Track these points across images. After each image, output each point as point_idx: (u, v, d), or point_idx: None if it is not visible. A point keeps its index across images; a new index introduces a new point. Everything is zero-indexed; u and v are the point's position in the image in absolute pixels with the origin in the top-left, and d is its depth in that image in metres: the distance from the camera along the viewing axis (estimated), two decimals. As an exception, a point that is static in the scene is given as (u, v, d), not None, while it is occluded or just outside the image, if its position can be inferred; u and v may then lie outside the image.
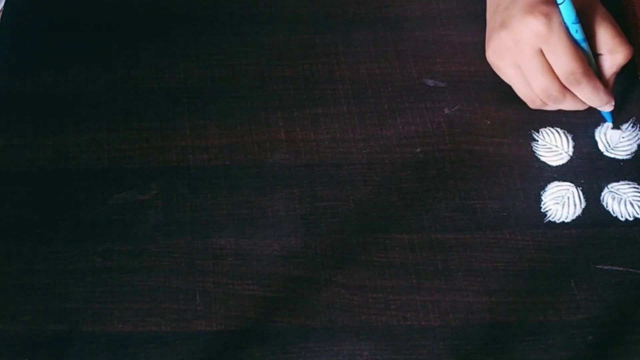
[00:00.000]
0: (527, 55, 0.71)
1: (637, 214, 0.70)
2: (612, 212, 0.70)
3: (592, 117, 0.75)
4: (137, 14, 0.80)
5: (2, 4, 0.78)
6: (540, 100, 0.73)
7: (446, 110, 0.75)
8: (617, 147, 0.74)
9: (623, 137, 0.74)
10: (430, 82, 0.77)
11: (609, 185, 0.72)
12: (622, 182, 0.72)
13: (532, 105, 0.74)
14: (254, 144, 0.73)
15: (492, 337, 0.65)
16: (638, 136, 0.74)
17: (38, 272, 0.67)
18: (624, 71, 0.75)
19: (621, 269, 0.68)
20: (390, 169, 0.72)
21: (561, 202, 0.71)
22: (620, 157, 0.73)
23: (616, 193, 0.71)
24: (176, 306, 0.66)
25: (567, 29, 0.70)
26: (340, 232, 0.69)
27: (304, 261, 0.68)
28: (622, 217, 0.70)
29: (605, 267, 0.68)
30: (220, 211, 0.70)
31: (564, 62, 0.70)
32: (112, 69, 0.77)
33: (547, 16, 0.70)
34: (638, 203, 0.70)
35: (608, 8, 0.74)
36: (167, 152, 0.73)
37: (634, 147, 0.74)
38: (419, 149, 0.73)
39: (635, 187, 0.71)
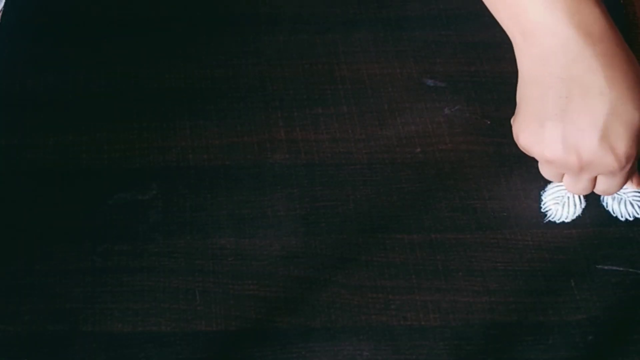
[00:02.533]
0: (583, 178, 0.67)
1: (637, 214, 0.70)
2: (612, 212, 0.70)
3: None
4: (137, 13, 0.80)
5: (2, 4, 0.78)
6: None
7: (446, 110, 0.75)
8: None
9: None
10: (430, 82, 0.77)
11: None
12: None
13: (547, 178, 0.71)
14: (254, 144, 0.73)
15: (492, 337, 0.65)
16: (638, 136, 0.74)
17: (38, 272, 0.66)
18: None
19: (621, 269, 0.68)
20: (390, 169, 0.72)
21: (561, 202, 0.71)
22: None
23: (616, 193, 0.71)
24: (176, 306, 0.66)
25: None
26: (340, 232, 0.69)
27: (304, 261, 0.68)
28: (622, 217, 0.70)
29: (605, 267, 0.68)
30: (220, 211, 0.70)
31: (612, 190, 0.68)
32: (112, 69, 0.77)
33: (628, 158, 0.64)
34: (638, 203, 0.70)
35: (608, 8, 0.74)
36: (167, 152, 0.73)
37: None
38: (419, 149, 0.73)
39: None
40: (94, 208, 0.70)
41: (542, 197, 0.71)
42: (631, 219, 0.70)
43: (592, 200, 0.71)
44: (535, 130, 0.65)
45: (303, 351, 0.64)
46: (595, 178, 0.68)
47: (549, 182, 0.72)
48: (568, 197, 0.71)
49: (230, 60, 0.78)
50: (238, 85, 0.76)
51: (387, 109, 0.76)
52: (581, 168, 0.65)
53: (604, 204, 0.71)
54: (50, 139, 0.73)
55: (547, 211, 0.70)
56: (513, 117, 0.69)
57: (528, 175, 0.72)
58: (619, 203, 0.71)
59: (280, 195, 0.71)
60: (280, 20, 0.80)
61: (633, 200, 0.71)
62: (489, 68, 0.76)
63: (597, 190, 0.69)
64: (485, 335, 0.65)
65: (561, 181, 0.70)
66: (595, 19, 0.63)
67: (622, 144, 0.64)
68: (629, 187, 0.70)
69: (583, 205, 0.71)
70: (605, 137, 0.63)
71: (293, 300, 0.66)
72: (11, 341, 0.64)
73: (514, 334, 0.65)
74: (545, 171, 0.70)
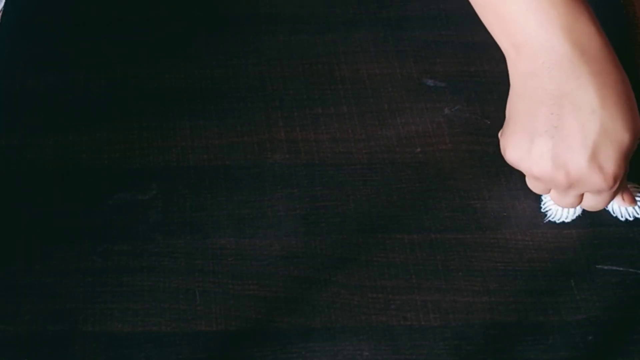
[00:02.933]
0: (570, 194, 0.67)
1: (637, 214, 0.70)
2: (612, 212, 0.70)
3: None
4: (137, 13, 0.80)
5: (2, 4, 0.78)
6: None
7: (446, 110, 0.75)
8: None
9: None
10: (430, 82, 0.77)
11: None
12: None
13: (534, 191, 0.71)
14: (254, 144, 0.73)
15: (492, 337, 0.65)
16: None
17: (38, 272, 0.66)
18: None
19: (621, 269, 0.68)
20: (390, 169, 0.72)
21: (561, 202, 0.71)
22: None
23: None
24: (176, 306, 0.66)
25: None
26: (340, 232, 0.69)
27: (304, 261, 0.68)
28: (622, 217, 0.70)
29: (605, 267, 0.68)
30: (220, 211, 0.70)
31: (598, 207, 0.68)
32: (112, 69, 0.77)
33: (615, 178, 0.64)
34: (638, 203, 0.70)
35: (608, 8, 0.74)
36: (167, 152, 0.73)
37: (634, 147, 0.74)
38: (419, 149, 0.73)
39: (635, 187, 0.71)
40: (94, 208, 0.70)
41: (542, 197, 0.71)
42: (631, 219, 0.70)
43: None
44: (524, 146, 0.65)
45: (303, 351, 0.64)
46: (582, 194, 0.67)
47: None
48: (568, 197, 0.71)
49: (230, 60, 0.78)
50: (238, 85, 0.76)
51: (387, 109, 0.76)
52: (569, 185, 0.65)
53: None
54: (50, 139, 0.73)
55: (547, 211, 0.70)
56: (501, 130, 0.68)
57: (528, 175, 0.72)
58: (619, 203, 0.71)
59: (280, 195, 0.71)
60: (280, 20, 0.80)
61: (633, 200, 0.71)
62: (489, 68, 0.76)
63: (583, 206, 0.68)
64: (485, 335, 0.65)
65: (547, 192, 0.70)
66: (590, 36, 0.63)
67: (610, 164, 0.64)
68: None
69: (583, 205, 0.71)
70: (594, 156, 0.63)
71: (293, 300, 0.66)
72: (11, 341, 0.64)
73: (514, 334, 0.65)
74: (532, 185, 0.69)
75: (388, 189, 0.71)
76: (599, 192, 0.66)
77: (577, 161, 0.64)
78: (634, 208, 0.70)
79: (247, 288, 0.66)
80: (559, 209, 0.70)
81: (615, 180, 0.64)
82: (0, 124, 0.74)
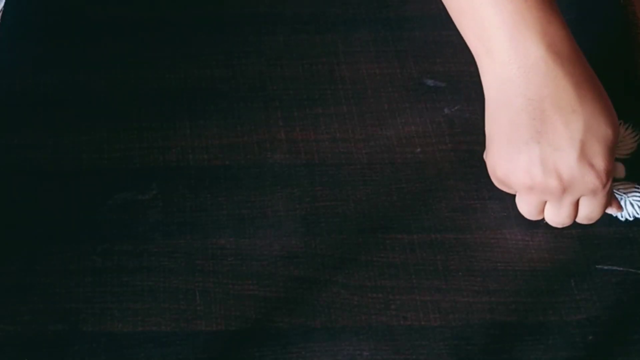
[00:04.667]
0: (566, 202, 0.66)
1: (637, 214, 0.70)
2: (612, 212, 0.70)
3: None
4: (137, 13, 0.80)
5: (2, 4, 0.78)
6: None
7: (446, 110, 0.75)
8: (617, 147, 0.73)
9: (623, 137, 0.74)
10: (430, 82, 0.77)
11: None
12: (622, 182, 0.72)
13: (526, 215, 0.70)
14: (254, 144, 0.73)
15: (492, 337, 0.65)
16: (638, 136, 0.74)
17: (38, 272, 0.66)
18: (624, 71, 0.75)
19: (621, 269, 0.68)
20: (390, 169, 0.72)
21: (561, 202, 0.71)
22: (620, 157, 0.73)
23: (616, 193, 0.71)
24: (176, 306, 0.65)
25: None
26: (340, 232, 0.69)
27: (304, 261, 0.68)
28: (622, 217, 0.70)
29: (605, 267, 0.68)
30: (220, 211, 0.70)
31: (595, 215, 0.68)
32: (112, 69, 0.77)
33: (607, 174, 0.64)
34: (638, 203, 0.70)
35: (608, 8, 0.74)
36: (167, 152, 0.73)
37: (634, 147, 0.74)
38: (419, 149, 0.73)
39: (635, 187, 0.71)
40: (94, 208, 0.70)
41: (542, 197, 0.71)
42: (631, 219, 0.70)
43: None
44: (512, 157, 0.65)
45: (303, 351, 0.64)
46: (577, 203, 0.67)
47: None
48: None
49: (230, 60, 0.78)
50: (238, 85, 0.76)
51: (387, 109, 0.76)
52: (563, 190, 0.65)
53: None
54: (50, 139, 0.73)
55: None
56: (485, 152, 0.68)
57: (528, 175, 0.72)
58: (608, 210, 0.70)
59: (280, 195, 0.71)
60: (280, 20, 0.80)
61: (633, 200, 0.71)
62: (489, 68, 0.76)
63: (580, 218, 0.68)
64: (485, 335, 0.65)
65: (542, 216, 0.69)
66: (563, 39, 0.63)
67: (600, 160, 0.64)
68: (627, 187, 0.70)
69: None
70: (583, 154, 0.63)
71: (293, 300, 0.66)
72: (11, 341, 0.64)
73: (514, 334, 0.65)
74: (524, 204, 0.68)
75: (388, 189, 0.71)
76: (593, 192, 0.65)
77: (567, 161, 0.63)
78: (633, 208, 0.70)
79: (247, 288, 0.66)
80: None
81: (607, 175, 0.64)
82: (0, 124, 0.74)
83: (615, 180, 0.70)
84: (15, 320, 0.64)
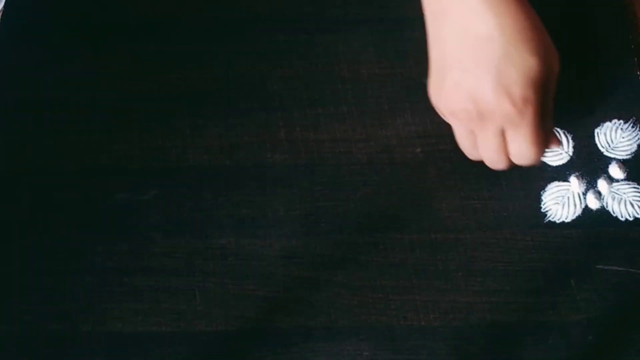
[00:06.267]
0: (489, 132, 0.67)
1: (637, 214, 0.70)
2: (612, 212, 0.70)
3: (592, 117, 0.75)
4: (137, 14, 0.80)
5: (2, 4, 0.78)
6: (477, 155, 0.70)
7: (446, 110, 0.75)
8: (617, 147, 0.74)
9: (623, 137, 0.74)
10: (430, 82, 0.77)
11: (609, 185, 0.72)
12: (622, 182, 0.72)
13: (467, 154, 0.71)
14: (254, 144, 0.73)
15: (492, 337, 0.65)
16: (638, 136, 0.74)
17: (38, 272, 0.67)
18: (624, 71, 0.75)
19: (621, 269, 0.68)
20: (390, 169, 0.72)
21: (561, 202, 0.71)
22: (620, 157, 0.73)
23: (616, 193, 0.71)
24: (176, 306, 0.66)
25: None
26: (340, 232, 0.69)
27: (304, 261, 0.68)
28: (622, 217, 0.70)
29: (605, 267, 0.68)
30: (220, 211, 0.70)
31: (523, 149, 0.67)
32: (112, 69, 0.77)
33: (524, 102, 0.64)
34: (638, 203, 0.70)
35: (608, 8, 0.74)
36: (167, 152, 0.73)
37: (634, 147, 0.74)
38: (419, 149, 0.73)
39: (635, 187, 0.71)
40: (94, 208, 0.70)
41: (542, 197, 0.71)
42: (631, 219, 0.70)
43: (592, 200, 0.71)
44: (439, 84, 0.67)
45: (303, 351, 0.64)
46: (504, 137, 0.67)
47: (549, 182, 0.72)
48: (568, 197, 0.71)
49: (230, 60, 0.78)
50: (238, 85, 0.76)
51: (387, 109, 0.76)
52: (481, 116, 0.65)
53: (604, 203, 0.71)
54: (50, 139, 0.73)
55: (547, 211, 0.71)
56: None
57: (528, 175, 0.72)
58: (619, 203, 0.71)
59: (280, 195, 0.71)
60: (280, 20, 0.80)
61: (633, 200, 0.71)
62: (489, 68, 0.76)
63: (513, 155, 0.68)
64: (485, 335, 0.65)
65: (475, 146, 0.69)
66: None
67: (516, 88, 0.64)
68: (626, 186, 0.70)
69: (583, 205, 0.71)
70: (499, 82, 0.64)
71: (293, 300, 0.66)
72: (11, 341, 0.64)
73: (514, 334, 0.65)
74: (459, 137, 0.70)
75: (388, 189, 0.71)
76: (511, 122, 0.65)
77: (483, 88, 0.64)
78: (633, 208, 0.70)
79: (247, 288, 0.66)
80: (559, 209, 0.70)
81: (524, 103, 0.64)
82: (1, 124, 0.74)
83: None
84: (15, 320, 0.65)
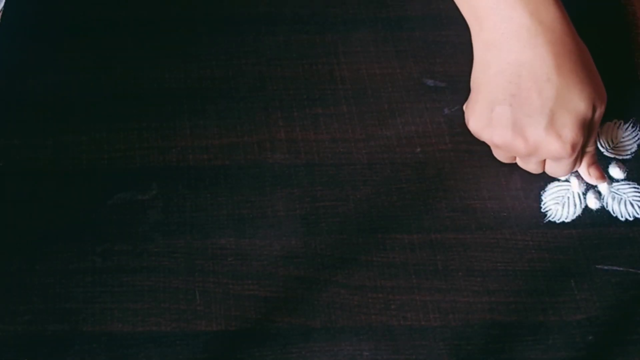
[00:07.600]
0: (531, 159, 0.69)
1: (637, 214, 0.70)
2: (612, 212, 0.70)
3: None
4: (137, 14, 0.80)
5: (2, 4, 0.78)
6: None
7: (446, 110, 0.75)
8: (617, 147, 0.74)
9: (623, 137, 0.74)
10: (430, 82, 0.77)
11: (609, 185, 0.72)
12: (622, 182, 0.72)
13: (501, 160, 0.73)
14: (254, 144, 0.73)
15: (492, 337, 0.65)
16: (638, 136, 0.74)
17: (38, 272, 0.66)
18: (624, 71, 0.75)
19: (621, 269, 0.68)
20: (390, 169, 0.72)
21: (561, 202, 0.71)
22: (620, 157, 0.73)
23: (616, 193, 0.71)
24: (176, 306, 0.66)
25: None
26: (340, 232, 0.69)
27: (304, 261, 0.68)
28: (622, 217, 0.70)
29: (605, 267, 0.68)
30: (220, 211, 0.70)
31: (560, 173, 0.70)
32: (112, 69, 0.77)
33: (573, 145, 0.66)
34: (638, 203, 0.70)
35: (608, 8, 0.74)
36: (167, 152, 0.73)
37: (634, 147, 0.74)
38: (419, 149, 0.73)
39: (635, 187, 0.71)
40: (94, 208, 0.70)
41: (542, 197, 0.71)
42: (631, 219, 0.70)
43: (592, 200, 0.71)
44: (485, 115, 0.67)
45: (303, 351, 0.64)
46: (544, 160, 0.69)
47: (549, 182, 0.72)
48: (568, 197, 0.71)
49: (230, 60, 0.78)
50: (238, 85, 0.76)
51: (387, 109, 0.76)
52: (528, 153, 0.67)
53: (604, 204, 0.71)
54: (50, 139, 0.73)
55: (547, 211, 0.70)
56: (465, 102, 0.70)
57: (528, 175, 0.72)
58: (619, 203, 0.71)
59: (280, 195, 0.71)
60: (280, 20, 0.80)
61: (633, 200, 0.71)
62: (489, 68, 0.76)
63: (547, 172, 0.70)
64: (485, 335, 0.65)
65: (514, 161, 0.71)
66: (547, 7, 0.65)
67: (568, 132, 0.65)
68: (627, 186, 0.70)
69: (583, 205, 0.71)
70: (551, 123, 0.65)
71: (293, 300, 0.66)
72: (11, 341, 0.64)
73: (514, 334, 0.65)
74: (496, 153, 0.71)
75: (388, 189, 0.71)
76: (558, 159, 0.67)
77: (535, 128, 0.65)
78: (633, 208, 0.70)
79: (247, 288, 0.66)
80: (559, 209, 0.70)
81: (573, 147, 0.66)
82: (0, 124, 0.74)
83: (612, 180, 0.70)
84: (15, 320, 0.64)
